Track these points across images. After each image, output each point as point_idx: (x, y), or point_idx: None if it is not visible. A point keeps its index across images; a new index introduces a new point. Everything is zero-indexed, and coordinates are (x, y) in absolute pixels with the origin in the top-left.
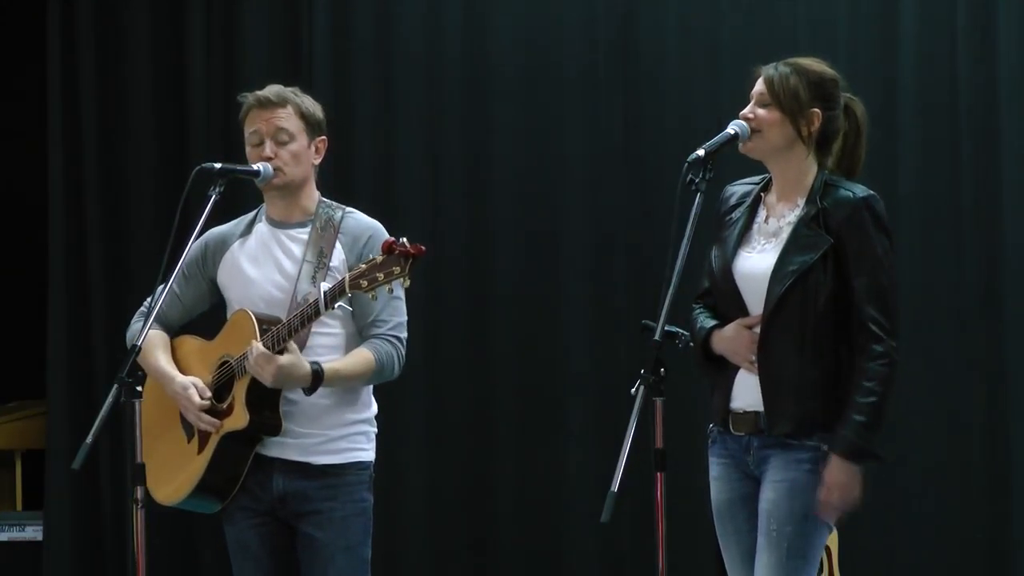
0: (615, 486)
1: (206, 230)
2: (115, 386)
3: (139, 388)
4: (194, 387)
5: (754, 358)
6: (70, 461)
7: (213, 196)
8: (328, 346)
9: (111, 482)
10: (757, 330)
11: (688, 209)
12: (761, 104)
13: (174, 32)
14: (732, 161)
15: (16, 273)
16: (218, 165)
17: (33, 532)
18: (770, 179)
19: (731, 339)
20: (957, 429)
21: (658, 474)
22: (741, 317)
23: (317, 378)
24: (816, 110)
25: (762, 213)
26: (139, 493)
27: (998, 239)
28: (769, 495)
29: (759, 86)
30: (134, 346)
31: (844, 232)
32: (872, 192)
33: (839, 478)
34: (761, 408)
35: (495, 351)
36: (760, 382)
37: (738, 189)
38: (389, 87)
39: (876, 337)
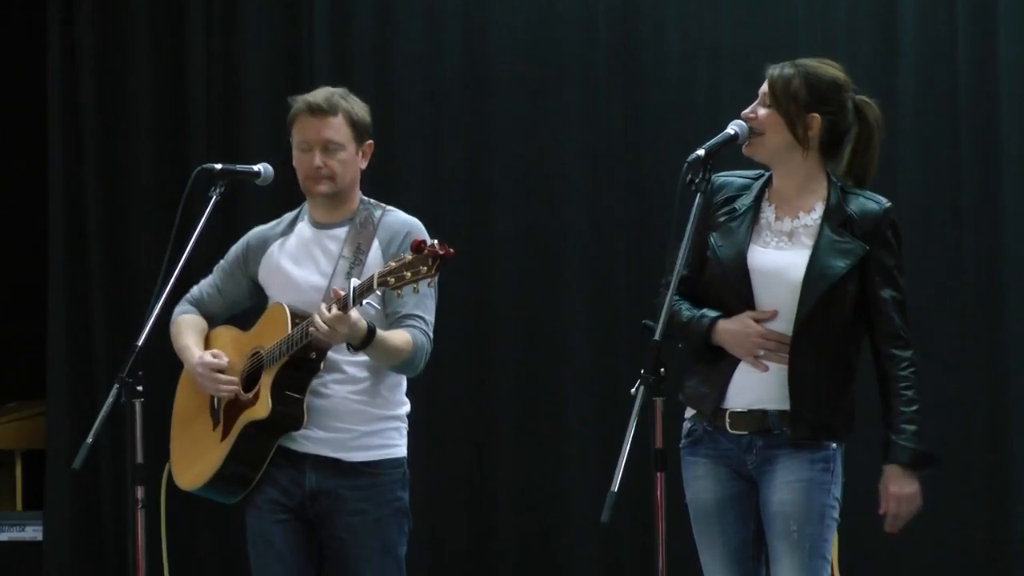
0: (615, 486)
1: (207, 231)
2: (115, 386)
3: (140, 388)
4: (208, 358)
5: (762, 352)
6: (70, 461)
7: (214, 197)
8: None
9: (111, 482)
10: (770, 326)
11: (688, 209)
12: (764, 105)
13: (174, 32)
14: (732, 161)
15: (16, 273)
16: (219, 166)
17: (33, 532)
18: (770, 176)
19: (737, 332)
20: (957, 429)
21: (658, 474)
22: (744, 310)
23: (370, 335)
24: (815, 115)
25: (768, 210)
26: (139, 493)
27: (998, 239)
28: (783, 496)
29: (764, 86)
30: (135, 346)
31: (871, 242)
32: (890, 203)
33: (904, 489)
34: (767, 407)
35: (495, 351)
36: (789, 385)
37: (733, 181)
38: (389, 87)
39: (906, 345)
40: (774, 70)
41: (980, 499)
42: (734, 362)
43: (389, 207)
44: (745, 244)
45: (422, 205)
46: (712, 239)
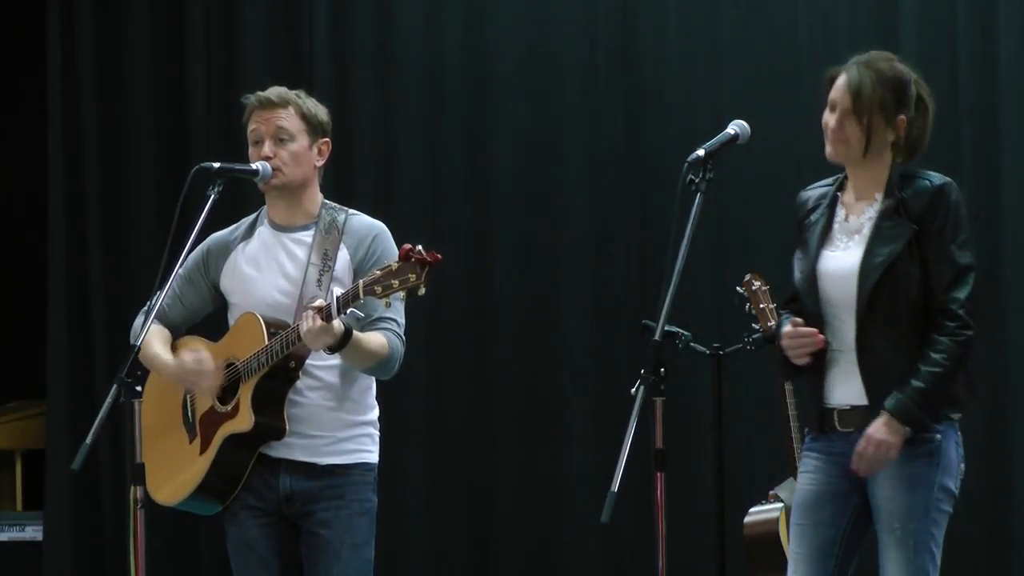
0: (615, 486)
1: (205, 230)
2: (115, 386)
3: (139, 388)
4: (194, 359)
5: (800, 350)
6: (70, 461)
7: (212, 196)
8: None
9: (111, 482)
10: (845, 324)
11: (688, 209)
12: (845, 114)
13: (174, 32)
14: (733, 161)
15: (16, 273)
16: (217, 164)
17: (33, 532)
18: (844, 178)
19: (783, 345)
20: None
21: (658, 474)
22: (818, 318)
23: (346, 336)
24: (903, 117)
25: (841, 212)
26: (139, 493)
27: (998, 239)
28: (885, 491)
29: (842, 97)
30: (134, 346)
31: (924, 220)
32: (949, 179)
33: (880, 434)
34: (867, 403)
35: (495, 351)
36: (862, 378)
37: (813, 193)
38: (389, 87)
39: (957, 317)
40: (852, 76)
41: (980, 499)
42: (821, 369)
43: (352, 210)
44: (816, 254)
45: (422, 205)
46: (795, 258)
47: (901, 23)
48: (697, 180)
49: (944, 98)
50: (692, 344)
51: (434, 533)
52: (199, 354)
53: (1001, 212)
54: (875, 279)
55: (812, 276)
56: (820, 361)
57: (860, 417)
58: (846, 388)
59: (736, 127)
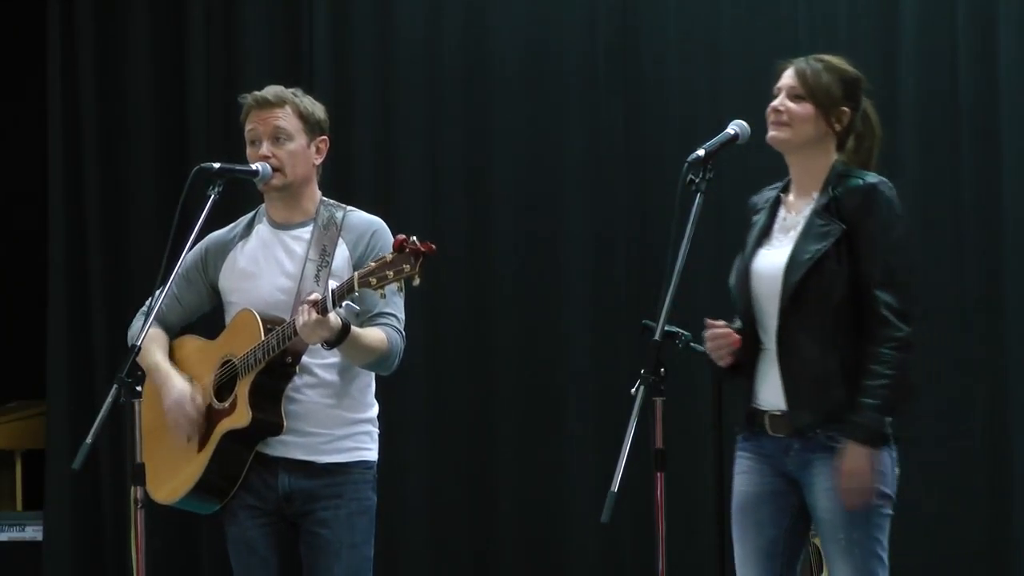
0: (615, 486)
1: (205, 230)
2: (115, 386)
3: (139, 388)
4: (191, 400)
5: (719, 352)
6: (70, 461)
7: (212, 196)
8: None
9: (111, 482)
10: (768, 324)
11: (688, 209)
12: (792, 97)
13: (174, 32)
14: (732, 161)
15: (16, 273)
16: (217, 165)
17: (33, 532)
18: (790, 180)
19: (705, 339)
20: (957, 429)
21: (658, 474)
22: (750, 317)
23: (344, 332)
24: (846, 109)
25: (782, 211)
26: (139, 493)
27: (998, 239)
28: (824, 503)
29: (789, 80)
30: (134, 346)
31: (856, 219)
32: (883, 178)
33: (854, 464)
34: (786, 406)
35: (495, 351)
36: (780, 374)
37: (761, 196)
38: (389, 87)
39: (885, 321)
40: (800, 63)
41: (980, 499)
42: (752, 368)
43: (350, 207)
44: (751, 253)
45: (422, 205)
46: (736, 260)
47: (901, 23)
48: (697, 180)
49: (944, 98)
50: (692, 344)
51: (434, 533)
52: (194, 399)
53: (1001, 212)
54: (799, 276)
55: (745, 274)
56: (752, 360)
57: (788, 423)
58: (773, 388)
59: (736, 127)
